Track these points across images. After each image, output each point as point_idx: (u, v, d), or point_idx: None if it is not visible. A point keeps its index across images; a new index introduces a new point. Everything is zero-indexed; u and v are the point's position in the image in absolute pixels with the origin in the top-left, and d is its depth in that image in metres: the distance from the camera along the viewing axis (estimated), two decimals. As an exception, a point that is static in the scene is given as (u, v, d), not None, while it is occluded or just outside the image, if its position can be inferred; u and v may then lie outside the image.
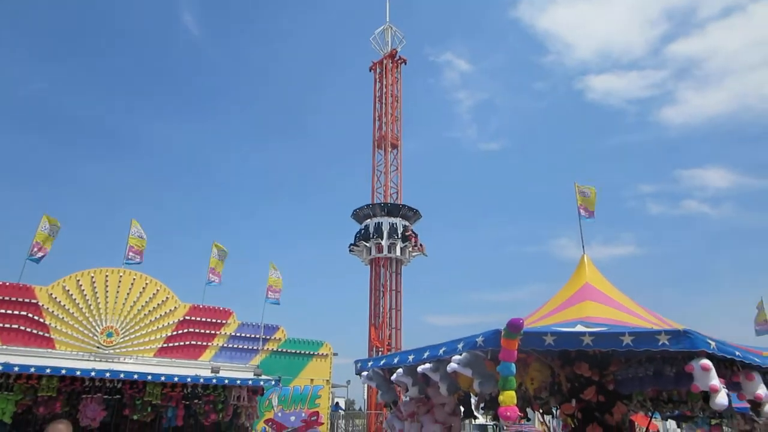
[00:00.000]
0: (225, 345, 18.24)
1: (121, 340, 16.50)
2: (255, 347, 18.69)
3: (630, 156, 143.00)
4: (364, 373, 9.76)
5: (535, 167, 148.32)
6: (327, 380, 19.78)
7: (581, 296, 8.31)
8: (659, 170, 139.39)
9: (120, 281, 17.06)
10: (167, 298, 17.73)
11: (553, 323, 7.40)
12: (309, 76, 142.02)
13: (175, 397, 14.01)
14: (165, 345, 17.21)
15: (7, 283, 15.85)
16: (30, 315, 15.71)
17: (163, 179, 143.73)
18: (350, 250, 36.55)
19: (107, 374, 12.99)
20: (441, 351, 7.06)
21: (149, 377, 13.38)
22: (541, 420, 10.73)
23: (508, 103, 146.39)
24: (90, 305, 16.42)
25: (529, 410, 10.95)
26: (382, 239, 34.53)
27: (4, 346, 14.79)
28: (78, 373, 12.74)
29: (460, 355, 6.58)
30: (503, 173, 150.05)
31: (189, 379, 13.76)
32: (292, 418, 18.56)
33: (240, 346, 18.48)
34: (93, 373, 12.84)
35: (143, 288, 17.34)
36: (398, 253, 34.71)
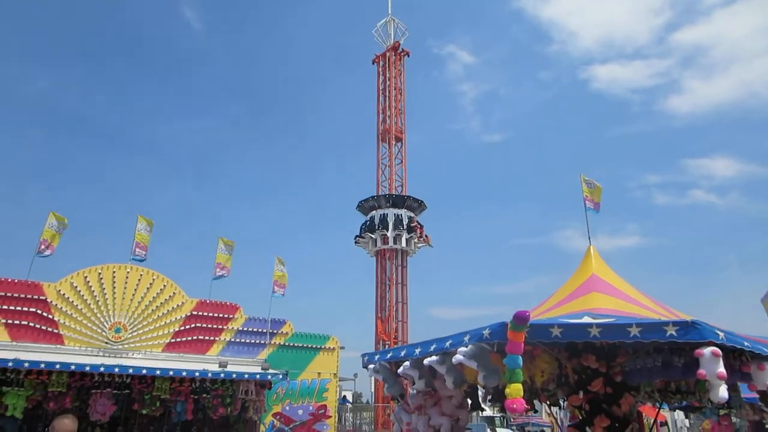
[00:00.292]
0: (232, 339, 18.33)
1: (130, 335, 16.61)
2: (262, 341, 18.77)
3: (635, 146, 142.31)
4: (371, 367, 9.77)
5: (539, 158, 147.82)
6: (334, 374, 19.85)
7: (588, 287, 8.27)
8: (665, 160, 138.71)
9: (127, 277, 17.15)
10: (174, 293, 17.82)
11: (560, 315, 7.37)
12: (312, 70, 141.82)
13: (184, 391, 14.09)
14: (173, 340, 17.31)
15: (16, 280, 15.97)
16: (39, 311, 15.84)
17: (167, 175, 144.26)
18: (356, 242, 36.63)
19: (116, 369, 13.08)
20: (448, 344, 7.05)
21: (158, 372, 13.46)
22: (549, 412, 10.72)
23: (511, 94, 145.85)
24: (98, 301, 16.53)
25: (536, 402, 10.97)
26: (387, 230, 34.58)
27: (14, 342, 14.93)
28: (87, 368, 12.83)
29: (466, 347, 6.57)
30: (507, 165, 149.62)
31: (197, 374, 13.82)
32: (300, 412, 18.66)
33: (247, 341, 18.56)
34: (102, 369, 12.94)
35: (150, 284, 17.44)
36: (404, 244, 34.75)
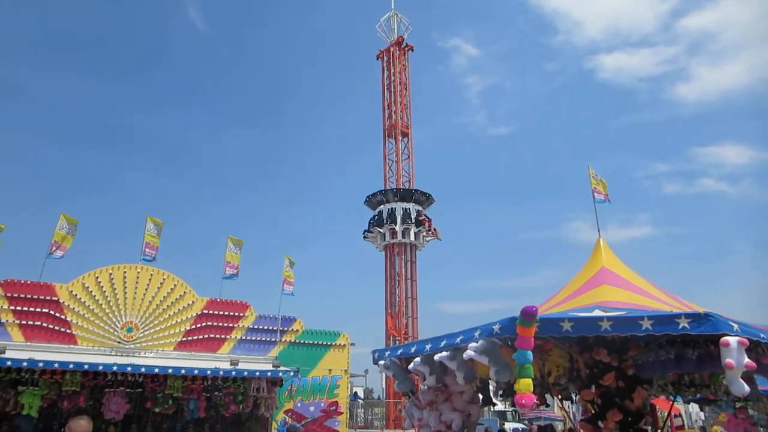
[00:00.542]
0: (243, 337, 18.40)
1: (141, 334, 16.73)
2: (273, 339, 18.83)
3: (643, 135, 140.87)
4: (381, 363, 9.78)
5: (546, 150, 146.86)
6: (345, 370, 19.89)
7: (598, 280, 8.21)
8: (674, 149, 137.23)
9: (138, 277, 17.27)
10: (185, 292, 17.91)
11: (570, 309, 7.33)
12: (316, 66, 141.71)
13: (196, 389, 14.19)
14: (184, 339, 17.41)
15: (29, 282, 16.13)
16: (52, 312, 15.99)
17: (174, 175, 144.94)
18: (364, 237, 36.64)
19: (129, 368, 13.19)
20: (458, 339, 7.04)
21: (170, 371, 13.57)
22: (561, 406, 10.67)
23: (517, 86, 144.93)
24: (110, 301, 16.66)
25: (548, 396, 10.93)
26: (395, 225, 34.56)
27: (29, 343, 15.08)
28: (100, 368, 12.96)
29: (477, 342, 6.55)
30: (514, 157, 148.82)
31: (209, 372, 13.91)
32: (312, 408, 18.73)
33: (258, 339, 18.64)
34: (115, 368, 13.06)
35: (161, 283, 17.54)
36: (412, 238, 34.72)
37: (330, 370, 19.49)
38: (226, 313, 18.43)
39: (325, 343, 19.80)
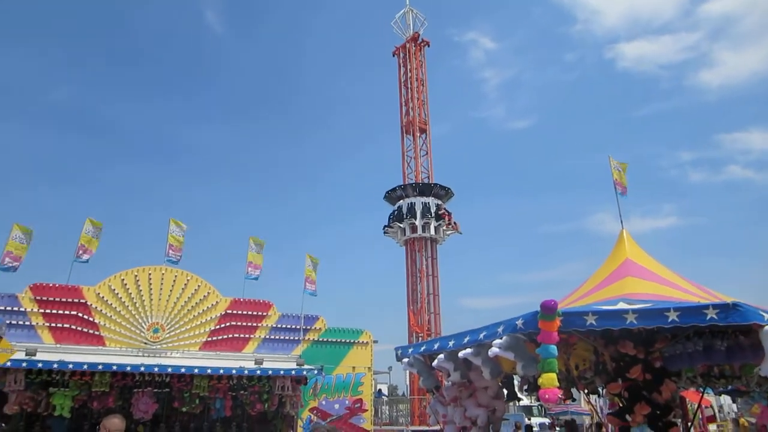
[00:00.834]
0: (267, 336, 18.56)
1: (167, 335, 16.99)
2: (296, 338, 18.97)
3: (667, 124, 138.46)
4: (405, 360, 9.79)
5: (567, 142, 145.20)
6: (369, 367, 19.94)
7: (622, 272, 8.09)
8: (698, 136, 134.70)
9: (163, 278, 17.53)
10: (209, 293, 18.13)
11: (594, 302, 7.24)
12: (332, 65, 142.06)
13: (222, 388, 14.36)
14: (209, 339, 17.63)
15: (58, 285, 16.50)
16: (80, 314, 16.33)
17: (196, 177, 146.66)
18: (385, 232, 36.65)
19: (156, 369, 13.40)
20: (481, 335, 7.01)
21: (196, 370, 13.75)
22: (587, 400, 10.55)
23: (536, 78, 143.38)
24: (135, 303, 16.95)
25: (575, 390, 10.82)
26: (415, 219, 34.49)
27: (58, 345, 15.42)
28: (128, 368, 13.19)
29: (501, 338, 6.51)
30: (534, 150, 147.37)
31: (234, 371, 14.06)
32: (336, 406, 18.82)
33: (281, 337, 18.78)
34: (142, 368, 13.28)
35: (185, 284, 17.78)
36: (432, 232, 34.62)
37: (353, 367, 19.55)
38: (250, 312, 18.61)
39: (347, 340, 19.86)
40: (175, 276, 17.75)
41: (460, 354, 7.53)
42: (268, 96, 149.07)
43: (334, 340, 19.65)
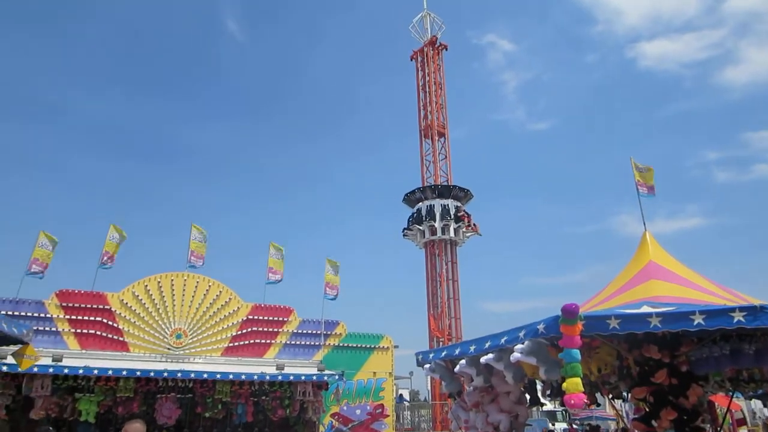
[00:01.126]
0: (288, 342, 18.65)
1: (190, 341, 17.17)
2: (317, 343, 19.02)
3: (691, 123, 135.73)
4: (426, 366, 9.74)
5: (588, 143, 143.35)
6: (389, 372, 19.90)
7: (645, 275, 7.94)
8: (724, 135, 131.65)
9: (185, 285, 17.74)
10: (230, 299, 18.29)
11: (617, 305, 7.11)
12: (351, 70, 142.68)
13: (244, 394, 14.45)
14: (231, 344, 17.78)
15: (83, 291, 16.80)
16: (105, 320, 16.60)
17: (214, 180, 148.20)
18: (404, 235, 36.63)
19: (179, 374, 13.55)
20: (503, 340, 6.94)
21: (218, 376, 13.87)
22: (612, 405, 10.37)
23: (556, 79, 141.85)
24: (159, 309, 17.17)
25: (599, 395, 10.64)
26: (435, 221, 34.43)
27: (84, 351, 15.69)
28: (152, 374, 13.36)
29: (523, 343, 6.44)
30: (555, 152, 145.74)
31: (256, 377, 14.15)
32: (358, 411, 18.80)
33: (302, 343, 18.85)
34: (165, 374, 13.44)
35: (207, 290, 17.96)
36: (452, 234, 34.49)
37: (374, 372, 19.53)
38: (271, 318, 18.73)
39: (368, 346, 19.86)
40: (197, 282, 17.95)
41: (483, 359, 7.46)
42: (285, 99, 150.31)
43: (355, 345, 19.66)
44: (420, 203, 35.83)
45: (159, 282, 17.48)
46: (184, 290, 17.66)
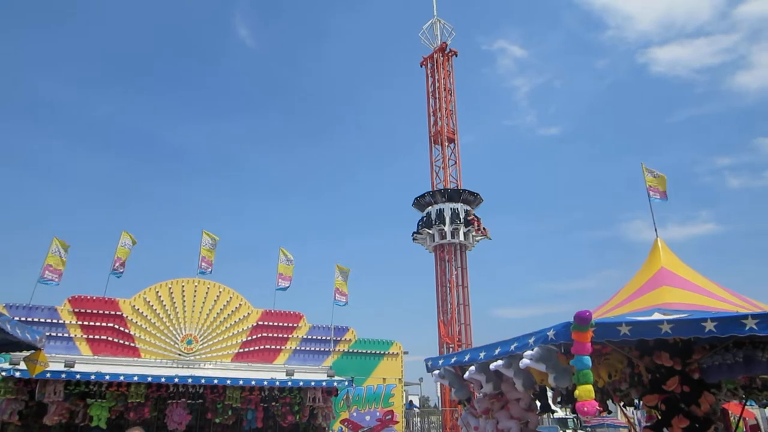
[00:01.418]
0: (298, 348, 18.68)
1: (200, 346, 17.24)
2: (327, 349, 19.03)
3: (703, 128, 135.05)
4: (436, 372, 9.72)
5: (599, 149, 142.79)
6: (399, 379, 19.85)
7: (657, 282, 7.88)
8: (737, 141, 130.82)
9: (195, 291, 17.84)
10: (240, 304, 18.36)
11: (628, 312, 7.07)
12: (361, 76, 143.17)
13: (254, 400, 14.48)
14: (241, 350, 17.83)
15: (95, 297, 16.93)
16: (117, 326, 16.72)
17: (225, 188, 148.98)
18: (413, 239, 36.59)
19: (189, 380, 13.62)
20: (512, 347, 6.90)
21: (228, 382, 13.92)
22: (624, 412, 10.28)
23: (567, 85, 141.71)
24: (170, 315, 17.28)
25: (611, 402, 10.55)
26: (444, 225, 34.37)
27: (96, 357, 15.80)
28: (163, 379, 13.44)
29: (532, 350, 6.41)
30: (567, 157, 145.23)
31: (266, 383, 14.18)
32: (368, 418, 18.76)
33: (312, 348, 18.87)
34: (176, 380, 13.51)
35: (217, 296, 18.05)
36: (461, 237, 34.38)
37: (384, 379, 19.49)
38: (281, 324, 18.77)
39: (378, 352, 19.84)
40: (208, 288, 18.05)
41: (492, 366, 7.43)
42: (294, 104, 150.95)
43: (365, 351, 19.65)
44: (430, 207, 35.82)
45: (170, 288, 17.59)
46: (194, 296, 17.76)
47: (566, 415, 34.19)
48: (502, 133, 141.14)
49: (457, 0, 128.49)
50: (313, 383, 14.81)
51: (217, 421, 14.33)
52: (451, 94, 40.01)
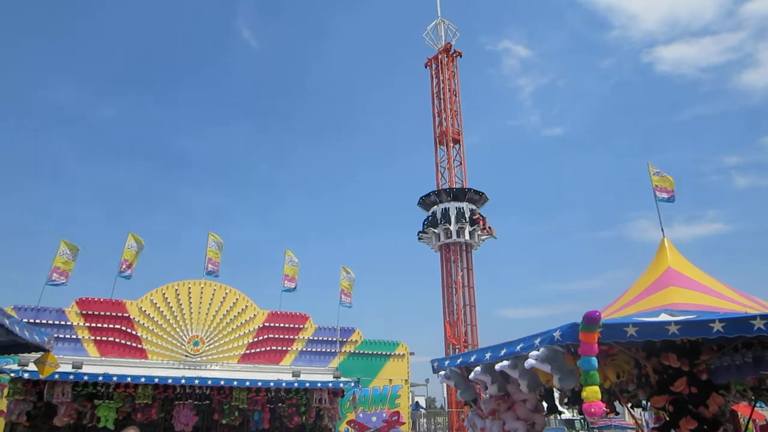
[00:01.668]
0: (304, 349, 18.70)
1: (207, 348, 17.29)
2: (333, 350, 19.04)
3: (709, 128, 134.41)
4: (442, 373, 9.69)
5: (605, 149, 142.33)
6: (405, 380, 19.84)
7: (664, 282, 7.83)
8: (743, 140, 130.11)
9: (202, 292, 17.90)
10: (246, 306, 18.40)
11: (635, 313, 7.02)
12: (364, 78, 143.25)
13: (260, 401, 14.50)
14: (247, 351, 17.87)
15: (102, 299, 17.02)
16: (124, 328, 16.81)
17: (226, 191, 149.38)
18: (419, 238, 36.57)
19: (196, 381, 13.65)
20: (518, 347, 6.88)
21: (235, 383, 13.94)
22: (631, 414, 10.21)
23: (571, 85, 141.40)
24: (176, 316, 17.34)
25: (618, 404, 10.50)
26: (450, 224, 34.35)
27: (103, 358, 15.88)
28: (170, 380, 13.48)
29: (538, 350, 6.39)
30: (572, 157, 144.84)
31: (272, 384, 14.20)
32: (374, 419, 18.76)
33: (318, 350, 18.89)
34: (183, 381, 13.54)
35: (223, 297, 18.10)
36: (467, 236, 34.34)
37: (390, 380, 19.49)
38: (287, 325, 18.81)
39: (384, 353, 19.83)
40: (214, 289, 18.10)
41: (497, 366, 7.41)
42: (298, 107, 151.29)
43: (371, 352, 19.65)
44: (435, 206, 35.82)
45: (176, 290, 17.66)
46: (201, 298, 17.81)
47: (573, 416, 34.05)
48: (507, 133, 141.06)
49: (461, 0, 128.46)
50: (319, 384, 14.81)
51: (224, 422, 14.36)
52: (455, 95, 39.99)
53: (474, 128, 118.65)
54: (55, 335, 16.07)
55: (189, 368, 16.26)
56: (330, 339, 19.17)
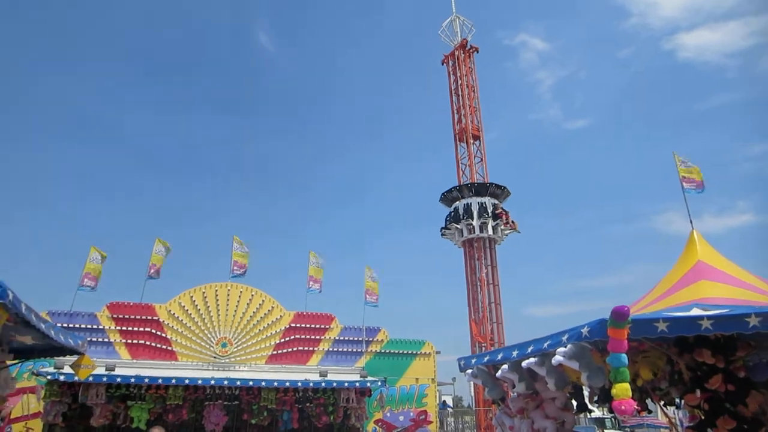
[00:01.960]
0: (330, 349, 18.80)
1: (235, 349, 17.51)
2: (359, 350, 19.09)
3: (736, 114, 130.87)
4: (469, 371, 9.64)
5: (628, 140, 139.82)
6: (432, 379, 19.78)
7: (695, 276, 7.64)
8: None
9: (229, 294, 18.12)
10: (273, 307, 18.57)
11: (665, 307, 6.88)
12: (381, 78, 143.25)
13: (289, 401, 14.63)
14: (275, 352, 18.04)
15: (132, 303, 17.37)
16: (154, 331, 17.13)
17: (254, 194, 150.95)
18: (442, 234, 36.44)
19: (225, 382, 13.83)
20: (546, 344, 6.80)
21: (263, 383, 14.09)
22: (665, 412, 10.01)
23: (591, 76, 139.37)
24: (204, 319, 17.60)
25: (650, 402, 10.31)
26: (472, 219, 34.16)
27: (134, 360, 16.20)
28: (199, 382, 13.69)
29: (565, 347, 6.30)
30: (594, 149, 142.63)
31: (300, 384, 14.31)
32: (401, 418, 18.75)
33: (344, 350, 18.96)
34: (213, 382, 13.74)
35: (250, 299, 18.30)
36: (490, 231, 34.11)
37: (417, 379, 19.46)
38: (313, 325, 18.92)
39: (410, 352, 19.81)
40: (241, 291, 18.32)
41: (524, 364, 7.33)
42: (315, 110, 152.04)
43: (397, 351, 19.64)
44: (457, 202, 35.67)
45: (204, 293, 17.92)
46: (228, 300, 18.05)
47: (603, 414, 33.59)
48: (526, 127, 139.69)
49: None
50: (346, 384, 14.87)
51: (253, 422, 14.52)
52: (474, 91, 39.71)
53: (493, 123, 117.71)
54: (88, 339, 16.45)
55: (218, 369, 16.47)
56: (356, 339, 19.24)
